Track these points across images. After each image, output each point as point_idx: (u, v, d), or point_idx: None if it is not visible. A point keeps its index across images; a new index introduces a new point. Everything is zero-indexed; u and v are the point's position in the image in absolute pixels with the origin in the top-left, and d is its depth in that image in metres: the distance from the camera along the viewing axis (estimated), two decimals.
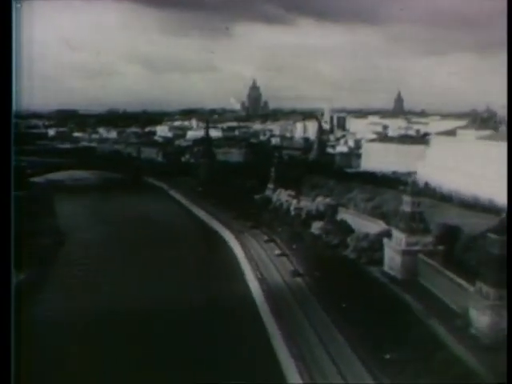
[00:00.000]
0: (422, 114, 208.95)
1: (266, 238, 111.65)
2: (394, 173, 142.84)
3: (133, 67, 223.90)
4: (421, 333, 68.75)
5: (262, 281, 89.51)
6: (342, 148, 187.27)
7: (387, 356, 61.71)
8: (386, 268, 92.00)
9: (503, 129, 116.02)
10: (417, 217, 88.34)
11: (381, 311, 74.05)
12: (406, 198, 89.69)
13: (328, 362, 63.59)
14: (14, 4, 52.01)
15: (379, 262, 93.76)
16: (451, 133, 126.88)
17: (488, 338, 65.76)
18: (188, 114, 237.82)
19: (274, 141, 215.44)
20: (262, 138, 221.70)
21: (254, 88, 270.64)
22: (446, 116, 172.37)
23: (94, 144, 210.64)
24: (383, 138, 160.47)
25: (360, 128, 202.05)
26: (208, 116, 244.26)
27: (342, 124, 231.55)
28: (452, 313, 74.06)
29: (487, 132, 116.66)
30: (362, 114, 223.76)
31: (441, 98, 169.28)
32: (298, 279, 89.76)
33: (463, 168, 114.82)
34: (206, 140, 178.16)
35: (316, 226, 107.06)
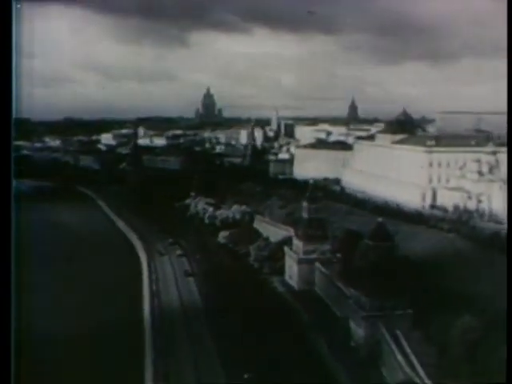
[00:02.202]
0: (375, 121, 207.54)
1: (170, 240, 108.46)
2: (326, 179, 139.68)
3: (88, 75, 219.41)
4: (299, 348, 64.66)
5: (155, 294, 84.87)
6: (283, 155, 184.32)
7: (246, 376, 57.20)
8: (286, 277, 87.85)
9: (421, 133, 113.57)
10: (314, 224, 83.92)
11: (266, 324, 69.79)
12: (304, 204, 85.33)
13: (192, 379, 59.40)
14: (14, 4, 50.32)
15: (282, 271, 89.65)
16: (372, 137, 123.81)
17: (363, 350, 61.78)
18: (144, 121, 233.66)
19: (219, 148, 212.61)
20: (207, 145, 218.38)
21: (208, 96, 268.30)
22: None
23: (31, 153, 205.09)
24: (315, 143, 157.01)
25: (306, 135, 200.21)
26: (160, 124, 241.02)
27: (289, 131, 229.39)
28: (338, 324, 70.14)
29: (402, 136, 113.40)
30: (314, 121, 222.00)
31: (394, 105, 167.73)
32: (191, 284, 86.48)
33: (377, 172, 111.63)
34: (133, 148, 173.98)
35: (223, 235, 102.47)
